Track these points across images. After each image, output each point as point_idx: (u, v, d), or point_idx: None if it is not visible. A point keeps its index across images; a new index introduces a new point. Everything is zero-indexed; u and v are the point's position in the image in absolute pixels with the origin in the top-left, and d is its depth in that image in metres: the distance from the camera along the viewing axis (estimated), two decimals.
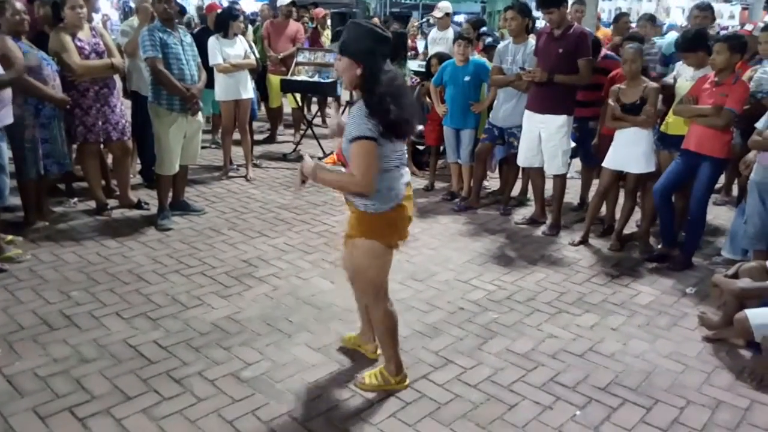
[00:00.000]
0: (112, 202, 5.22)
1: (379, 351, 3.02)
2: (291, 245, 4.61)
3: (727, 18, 19.60)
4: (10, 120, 4.03)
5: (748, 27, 6.89)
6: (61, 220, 4.85)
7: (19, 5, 4.26)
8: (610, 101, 4.50)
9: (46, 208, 4.82)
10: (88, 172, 5.00)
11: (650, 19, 5.97)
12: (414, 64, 7.69)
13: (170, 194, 5.03)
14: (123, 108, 5.08)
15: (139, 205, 5.19)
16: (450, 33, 7.23)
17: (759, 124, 3.69)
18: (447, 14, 7.29)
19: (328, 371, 3.01)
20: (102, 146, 5.06)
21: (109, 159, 5.48)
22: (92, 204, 5.12)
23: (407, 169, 2.75)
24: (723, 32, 15.25)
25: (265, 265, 4.24)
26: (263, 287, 3.90)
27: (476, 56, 5.68)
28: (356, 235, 2.70)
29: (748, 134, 4.34)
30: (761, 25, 6.57)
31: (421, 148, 6.80)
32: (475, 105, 5.49)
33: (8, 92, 3.99)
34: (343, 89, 8.28)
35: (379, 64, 2.47)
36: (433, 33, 7.71)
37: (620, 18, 6.54)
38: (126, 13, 18.23)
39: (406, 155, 2.74)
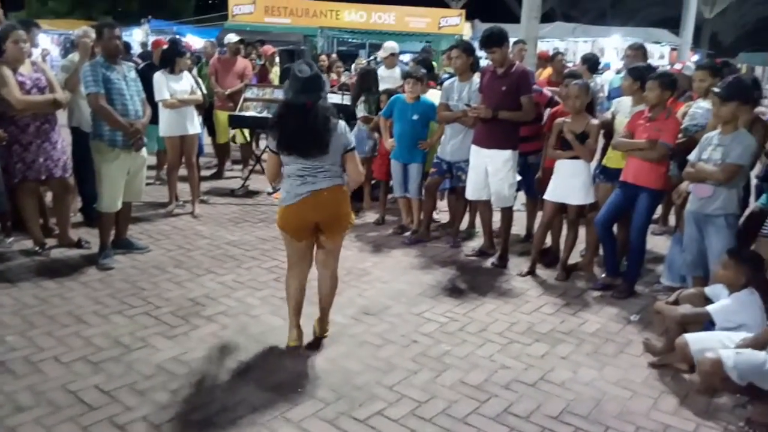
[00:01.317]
0: (50, 242, 5.01)
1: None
2: (240, 282, 4.52)
3: (658, 58, 20.76)
4: None
5: (677, 66, 7.31)
6: None
7: None
8: (565, 134, 4.62)
9: None
10: (26, 211, 4.80)
11: (588, 60, 6.25)
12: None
13: (112, 232, 4.87)
14: (64, 144, 4.93)
15: (79, 244, 5.00)
16: (397, 71, 7.38)
17: (691, 156, 3.89)
18: (393, 54, 7.45)
19: (280, 411, 2.93)
20: (40, 183, 4.87)
21: (48, 196, 5.28)
22: (29, 243, 4.90)
23: (318, 183, 3.32)
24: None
25: (213, 303, 4.13)
26: (211, 326, 3.79)
27: (427, 95, 5.79)
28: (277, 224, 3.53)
29: (683, 166, 4.58)
30: (689, 64, 6.99)
31: (372, 182, 6.85)
32: (423, 143, 5.59)
33: None
34: None
35: (286, 97, 3.35)
36: (381, 71, 7.86)
37: (555, 56, 6.84)
38: (67, 49, 17.86)
39: (325, 174, 3.32)
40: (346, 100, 6.95)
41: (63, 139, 4.93)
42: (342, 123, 3.37)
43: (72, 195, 5.28)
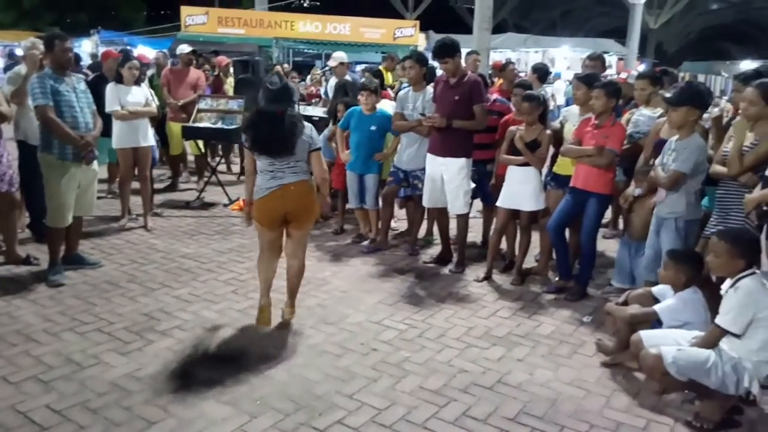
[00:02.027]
0: None
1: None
2: (196, 295, 4.45)
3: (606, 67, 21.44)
4: None
5: (623, 75, 7.59)
6: None
7: None
8: (516, 143, 4.73)
9: None
10: None
11: (538, 69, 6.39)
12: (318, 111, 7.80)
13: (63, 248, 4.74)
14: (10, 158, 4.78)
15: (27, 261, 4.85)
16: (348, 80, 7.43)
17: (657, 160, 4.00)
18: (342, 63, 7.50)
19: (239, 424, 2.90)
20: None
21: None
22: None
23: (286, 178, 3.73)
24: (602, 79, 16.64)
25: (167, 317, 4.06)
26: (166, 341, 3.72)
27: (382, 106, 5.83)
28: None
29: (630, 171, 4.75)
30: (635, 73, 7.26)
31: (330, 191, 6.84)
32: (378, 155, 5.62)
33: None
34: None
35: (257, 104, 3.81)
36: (332, 81, 7.90)
37: (506, 66, 7.01)
38: (14, 60, 17.30)
39: (292, 170, 3.75)
40: (303, 110, 6.95)
41: (9, 153, 4.79)
42: (308, 126, 3.82)
43: (19, 210, 5.13)
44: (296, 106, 3.90)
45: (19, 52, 16.00)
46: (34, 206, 5.28)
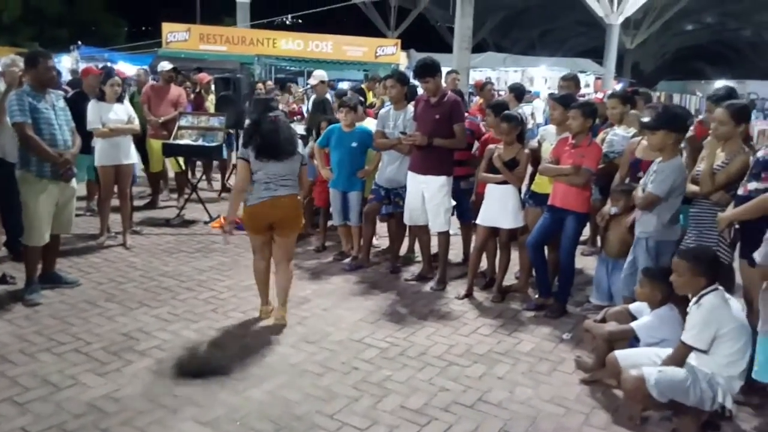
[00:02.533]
0: None
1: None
2: (175, 314, 4.41)
3: (583, 86, 21.77)
4: None
5: (599, 95, 7.74)
6: None
7: None
8: (494, 161, 4.78)
9: None
10: None
11: (515, 89, 6.51)
12: (300, 128, 7.82)
13: (39, 266, 4.68)
14: None
15: (3, 280, 4.77)
16: (328, 98, 7.50)
17: (642, 180, 4.06)
18: (322, 81, 7.56)
19: None
20: None
21: None
22: None
23: (279, 190, 4.10)
24: (580, 98, 16.93)
25: (146, 337, 4.02)
26: (145, 361, 3.68)
27: (364, 123, 5.88)
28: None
29: (605, 190, 4.83)
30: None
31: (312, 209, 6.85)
32: (361, 172, 5.65)
33: None
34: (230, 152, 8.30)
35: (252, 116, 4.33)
36: (314, 99, 7.95)
37: (484, 86, 7.11)
38: None
39: (284, 184, 4.13)
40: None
41: None
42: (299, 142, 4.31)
43: None
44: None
45: None
46: (11, 224, 5.18)
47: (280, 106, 8.56)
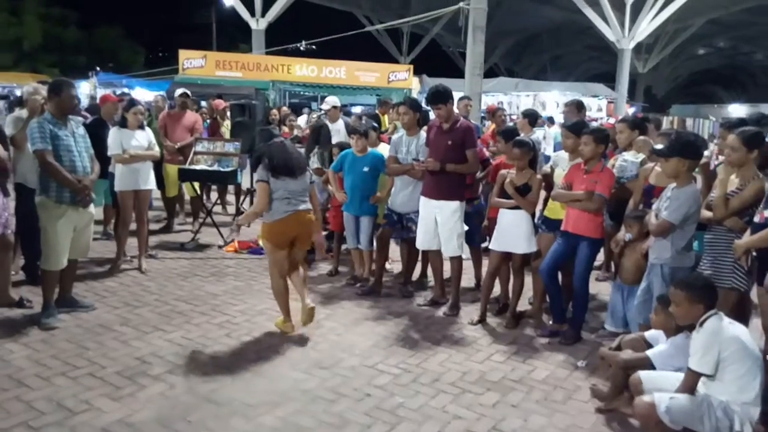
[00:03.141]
0: None
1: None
2: (189, 339, 4.43)
3: (596, 110, 21.85)
4: None
5: (611, 120, 7.76)
6: None
7: None
8: (506, 187, 4.80)
9: None
10: None
11: (529, 115, 6.53)
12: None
13: (56, 290, 4.73)
14: (5, 201, 4.81)
15: (20, 304, 4.84)
16: (340, 124, 7.59)
17: (654, 205, 4.06)
18: (335, 107, 7.66)
19: None
20: None
21: None
22: None
23: (300, 205, 4.50)
24: (592, 123, 16.96)
25: (160, 362, 4.03)
26: (159, 386, 3.69)
27: (378, 149, 5.94)
28: (262, 237, 4.69)
29: (617, 215, 4.82)
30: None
31: (324, 233, 6.90)
32: (373, 197, 5.69)
33: None
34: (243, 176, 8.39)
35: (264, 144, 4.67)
36: (311, 125, 8.04)
37: (495, 112, 7.16)
38: (11, 103, 17.51)
39: (302, 200, 4.53)
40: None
41: (3, 196, 4.81)
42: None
43: (12, 252, 5.13)
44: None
45: (18, 93, 16.24)
46: (30, 248, 5.28)
47: (294, 132, 8.72)
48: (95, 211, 5.07)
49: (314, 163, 6.53)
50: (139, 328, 4.58)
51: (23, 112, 5.27)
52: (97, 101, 8.68)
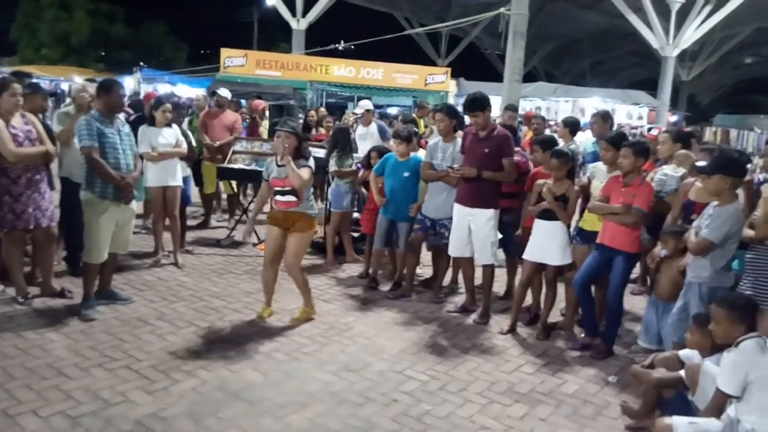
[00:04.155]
0: (33, 290, 4.99)
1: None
2: (221, 335, 4.52)
3: (636, 119, 21.43)
4: None
5: (654, 132, 7.60)
6: None
7: None
8: (545, 195, 4.74)
9: None
10: (12, 260, 4.81)
11: (570, 123, 6.44)
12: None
13: (96, 282, 4.88)
14: (51, 194, 4.98)
15: (62, 294, 4.99)
16: (373, 127, 7.62)
17: (695, 222, 3.98)
18: (367, 110, 7.69)
19: None
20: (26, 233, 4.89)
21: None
22: (11, 292, 4.89)
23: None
24: (633, 131, 16.63)
25: (193, 357, 4.12)
26: (191, 381, 3.78)
27: (418, 153, 5.95)
28: (305, 230, 4.80)
29: (655, 230, 4.73)
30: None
31: (355, 235, 6.95)
32: (414, 208, 5.67)
33: None
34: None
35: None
36: (360, 129, 8.09)
37: (531, 120, 7.09)
38: (58, 100, 18.09)
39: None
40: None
41: (50, 189, 4.98)
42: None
43: (56, 244, 5.30)
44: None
45: (64, 87, 16.76)
46: (72, 240, 5.46)
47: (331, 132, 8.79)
48: (136, 205, 5.21)
49: (332, 165, 6.58)
50: (174, 323, 4.69)
51: (70, 109, 5.44)
52: (140, 97, 8.90)
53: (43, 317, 4.60)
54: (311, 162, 4.78)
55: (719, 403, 2.96)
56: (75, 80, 18.64)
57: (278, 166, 4.73)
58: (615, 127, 6.93)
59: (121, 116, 5.15)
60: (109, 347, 4.17)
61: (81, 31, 32.43)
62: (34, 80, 7.80)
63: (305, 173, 4.62)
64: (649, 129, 12.83)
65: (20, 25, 33.03)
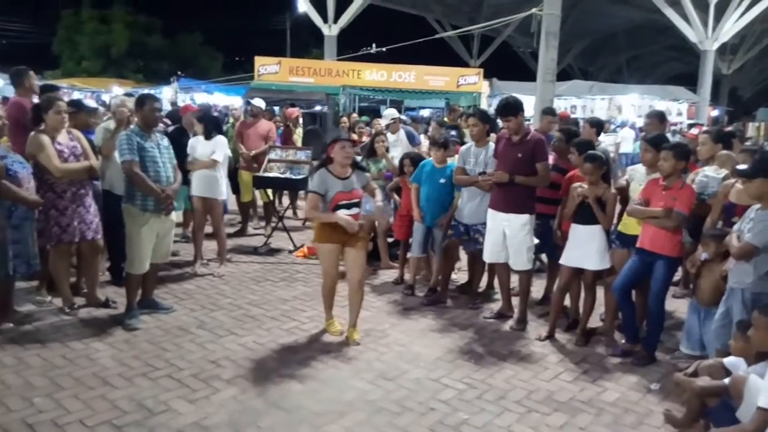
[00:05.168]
0: (78, 301, 5.15)
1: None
2: (260, 344, 4.59)
3: (676, 115, 20.90)
4: None
5: (694, 131, 7.40)
6: (26, 321, 4.75)
7: None
8: (588, 196, 4.66)
9: (11, 309, 4.73)
10: (58, 272, 4.98)
11: (596, 124, 6.29)
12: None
13: (139, 292, 5.01)
14: (95, 207, 5.13)
15: (106, 304, 5.14)
16: (401, 134, 7.65)
17: (735, 226, 3.88)
18: (394, 119, 7.73)
19: None
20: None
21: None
22: (58, 302, 5.05)
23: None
24: (672, 128, 16.20)
25: (233, 365, 4.19)
26: (231, 390, 3.84)
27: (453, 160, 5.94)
28: (365, 239, 4.67)
29: (696, 232, 4.62)
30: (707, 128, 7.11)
31: (390, 240, 6.97)
32: (444, 221, 5.67)
33: None
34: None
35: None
36: (389, 136, 8.12)
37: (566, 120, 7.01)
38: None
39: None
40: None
41: (95, 202, 5.14)
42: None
43: (101, 256, 5.46)
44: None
45: (105, 98, 17.24)
46: (115, 251, 5.62)
47: (364, 138, 8.84)
48: (175, 216, 5.32)
49: (372, 170, 6.64)
50: (213, 331, 4.78)
51: (110, 123, 5.60)
52: (178, 107, 9.11)
53: (88, 327, 4.75)
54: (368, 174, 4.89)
55: (761, 423, 2.85)
56: (114, 91, 19.15)
57: (340, 178, 4.45)
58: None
59: (160, 126, 5.28)
60: (152, 356, 4.27)
61: (120, 43, 33.34)
62: (77, 93, 8.05)
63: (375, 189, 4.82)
64: (690, 126, 12.48)
65: (62, 39, 34.16)
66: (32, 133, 4.73)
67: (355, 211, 4.51)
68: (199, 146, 6.23)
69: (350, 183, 4.48)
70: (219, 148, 6.27)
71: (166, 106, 15.65)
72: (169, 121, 8.35)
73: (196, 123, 6.27)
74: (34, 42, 36.18)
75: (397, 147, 7.30)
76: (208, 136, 6.24)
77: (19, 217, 4.46)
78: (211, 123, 6.33)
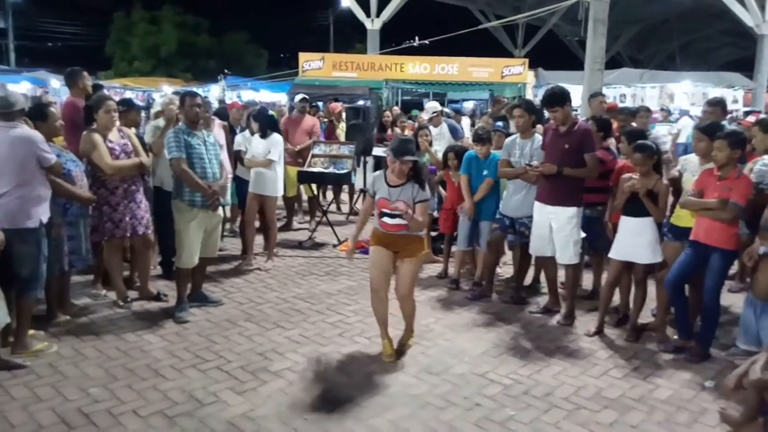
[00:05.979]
0: (131, 294, 5.32)
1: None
2: (306, 337, 4.64)
3: (731, 102, 20.04)
4: (48, 215, 4.17)
5: (751, 118, 7.07)
6: (82, 314, 4.94)
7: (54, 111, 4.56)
8: (639, 190, 4.50)
9: (68, 302, 4.92)
10: (112, 266, 5.15)
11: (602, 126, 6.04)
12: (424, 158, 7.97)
13: (189, 286, 5.13)
14: (146, 203, 5.28)
15: (158, 297, 5.29)
16: (444, 128, 7.57)
17: None
18: (435, 112, 7.65)
19: None
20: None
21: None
22: (112, 296, 5.23)
23: None
24: (728, 116, 15.55)
25: (280, 358, 4.26)
26: (278, 382, 3.90)
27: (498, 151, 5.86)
28: (418, 252, 4.27)
29: (754, 224, 4.41)
30: (763, 116, 6.77)
31: (433, 234, 6.94)
32: (466, 210, 5.69)
33: (49, 191, 4.19)
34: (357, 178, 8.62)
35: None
36: (432, 130, 8.06)
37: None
38: (149, 104, 19.07)
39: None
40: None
41: (145, 198, 5.29)
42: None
43: (152, 250, 5.62)
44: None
45: (156, 96, 17.71)
46: (166, 246, 5.77)
47: (406, 132, 8.82)
48: (222, 211, 5.43)
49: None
50: (261, 324, 4.86)
51: (160, 121, 5.75)
52: (226, 105, 9.28)
53: (141, 320, 4.90)
54: (428, 192, 4.30)
55: None
56: (164, 90, 19.63)
57: (390, 186, 4.20)
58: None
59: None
60: (202, 348, 4.38)
61: (169, 43, 34.22)
62: (129, 92, 8.29)
63: (422, 211, 4.16)
64: (746, 114, 11.95)
65: (114, 41, 35.28)
66: (84, 132, 4.89)
67: (399, 221, 4.16)
68: (255, 144, 6.32)
69: (397, 192, 4.16)
70: (275, 147, 6.32)
71: (215, 104, 15.96)
72: (216, 118, 8.51)
73: (252, 122, 6.37)
74: (87, 44, 37.51)
75: (440, 140, 7.25)
76: (264, 135, 6.31)
77: (73, 214, 4.63)
78: (267, 121, 6.38)
